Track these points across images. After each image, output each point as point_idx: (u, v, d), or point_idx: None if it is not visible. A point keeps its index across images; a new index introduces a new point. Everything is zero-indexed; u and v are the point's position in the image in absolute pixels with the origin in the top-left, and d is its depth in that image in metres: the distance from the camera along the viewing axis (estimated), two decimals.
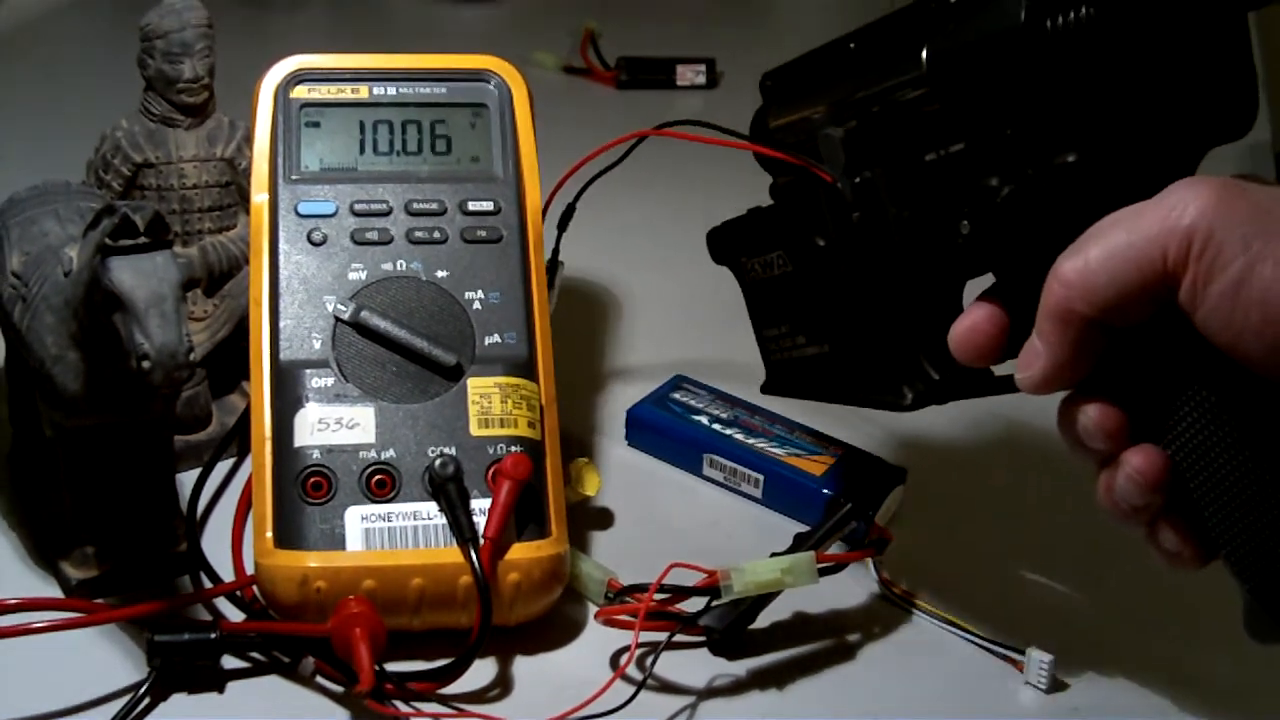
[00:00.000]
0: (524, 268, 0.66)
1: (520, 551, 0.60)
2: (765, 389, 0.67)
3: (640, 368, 0.83)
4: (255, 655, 0.60)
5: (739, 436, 0.73)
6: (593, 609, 0.63)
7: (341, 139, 0.68)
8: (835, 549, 0.63)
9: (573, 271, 0.75)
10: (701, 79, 1.25)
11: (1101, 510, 0.53)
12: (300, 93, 0.68)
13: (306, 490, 0.60)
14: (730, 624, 0.61)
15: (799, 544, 0.62)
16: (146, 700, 0.57)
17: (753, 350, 0.67)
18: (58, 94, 1.18)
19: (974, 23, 0.52)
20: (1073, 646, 0.62)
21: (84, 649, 0.59)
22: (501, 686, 0.60)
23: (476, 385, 0.63)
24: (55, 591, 0.63)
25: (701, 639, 0.62)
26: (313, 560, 0.59)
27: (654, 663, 0.60)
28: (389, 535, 0.60)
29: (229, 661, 0.59)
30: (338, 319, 0.64)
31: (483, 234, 0.67)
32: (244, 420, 0.68)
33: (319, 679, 0.59)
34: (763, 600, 0.61)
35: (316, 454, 0.61)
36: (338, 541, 0.59)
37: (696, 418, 0.74)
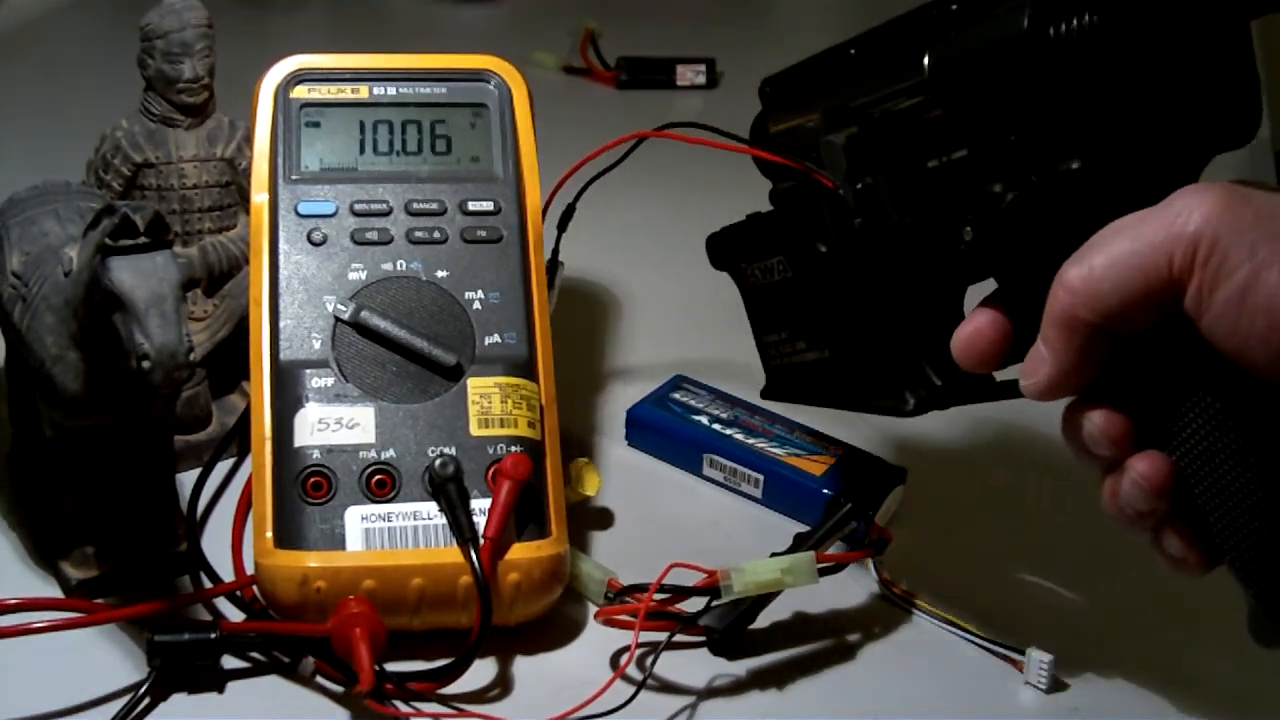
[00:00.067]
0: (524, 268, 0.66)
1: (520, 551, 0.60)
2: (765, 394, 0.67)
3: (640, 368, 0.83)
4: (255, 655, 0.60)
5: (739, 436, 0.73)
6: (593, 609, 0.63)
7: (341, 139, 0.68)
8: (835, 549, 0.63)
9: (573, 271, 0.75)
10: (701, 79, 1.25)
11: (1106, 516, 0.53)
12: (300, 93, 0.68)
13: (306, 490, 0.60)
14: (730, 624, 0.61)
15: (799, 544, 0.62)
16: (146, 700, 0.57)
17: (753, 351, 0.67)
18: (58, 94, 1.19)
19: (977, 29, 0.52)
20: (1073, 646, 0.62)
21: (84, 649, 0.59)
22: (501, 686, 0.60)
23: (476, 385, 0.63)
24: (55, 591, 0.63)
25: (701, 639, 0.62)
26: (313, 560, 0.59)
27: (654, 663, 0.60)
28: (389, 535, 0.60)
29: (229, 661, 0.59)
30: (338, 319, 0.64)
31: (483, 234, 0.67)
32: (244, 420, 0.68)
33: (319, 679, 0.59)
34: (763, 600, 0.61)
35: (316, 454, 0.61)
36: (338, 541, 0.59)
37: (696, 418, 0.74)
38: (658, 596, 0.60)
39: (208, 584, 0.64)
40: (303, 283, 0.64)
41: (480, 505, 0.61)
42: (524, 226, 0.67)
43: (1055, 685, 0.61)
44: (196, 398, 0.72)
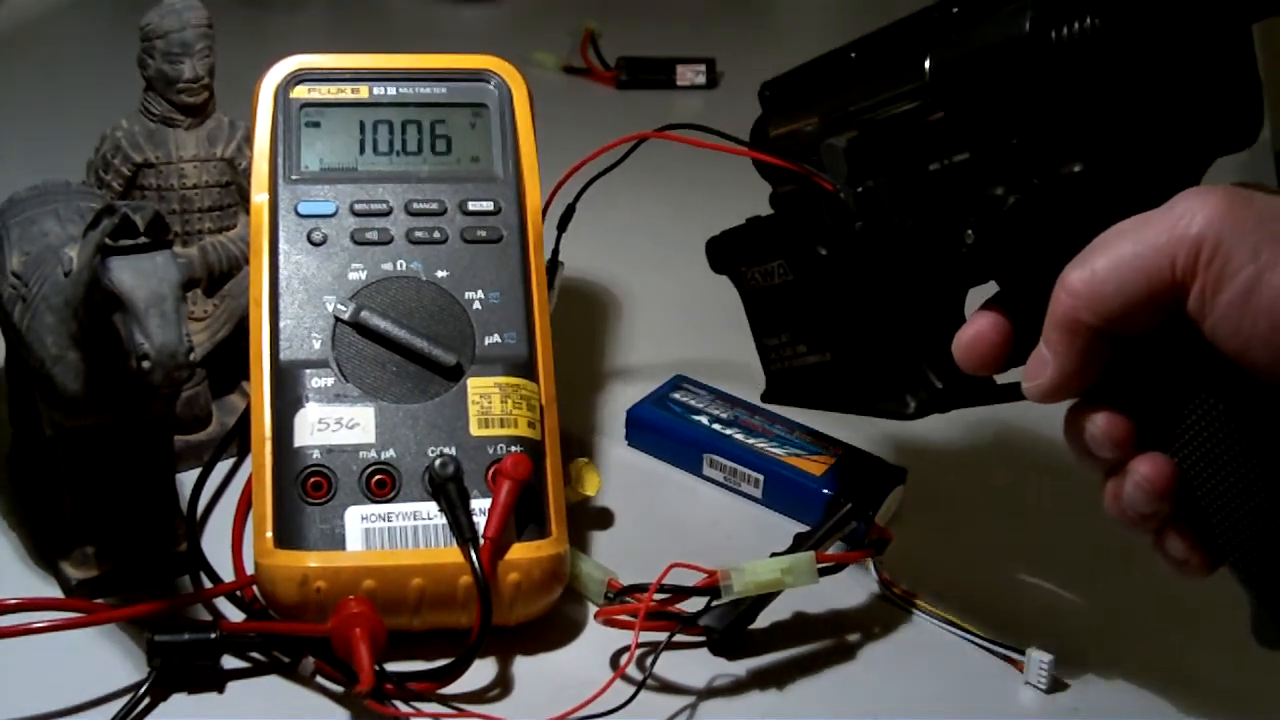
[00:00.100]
0: (524, 268, 0.66)
1: (520, 551, 0.60)
2: (765, 398, 0.67)
3: (640, 368, 0.83)
4: (255, 655, 0.60)
5: (739, 436, 0.73)
6: (593, 609, 0.63)
7: (341, 139, 0.68)
8: (835, 549, 0.63)
9: (573, 271, 0.75)
10: (701, 79, 1.25)
11: (1108, 518, 0.53)
12: (300, 93, 0.68)
13: (306, 490, 0.60)
14: (730, 624, 0.61)
15: (799, 544, 0.62)
16: (146, 700, 0.57)
17: (752, 351, 0.67)
18: (58, 94, 1.19)
19: (978, 33, 0.52)
20: (1073, 646, 0.62)
21: (84, 649, 0.59)
22: (501, 686, 0.60)
23: (476, 385, 0.63)
24: (55, 591, 0.63)
25: (701, 639, 0.62)
26: (313, 560, 0.59)
27: (654, 663, 0.60)
28: (389, 535, 0.60)
29: (229, 661, 0.59)
30: (338, 319, 0.64)
31: (483, 234, 0.67)
32: (244, 420, 0.68)
33: (319, 679, 0.59)
34: (763, 600, 0.61)
35: (316, 454, 0.61)
36: (338, 541, 0.59)
37: (696, 418, 0.74)
38: (658, 596, 0.60)
39: (208, 584, 0.63)
40: (303, 283, 0.64)
41: (480, 505, 0.61)
42: (524, 226, 0.67)
43: (1055, 685, 0.61)
44: (196, 398, 0.72)
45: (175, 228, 0.72)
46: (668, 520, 0.71)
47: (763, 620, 0.62)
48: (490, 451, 0.62)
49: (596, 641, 0.62)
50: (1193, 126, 0.51)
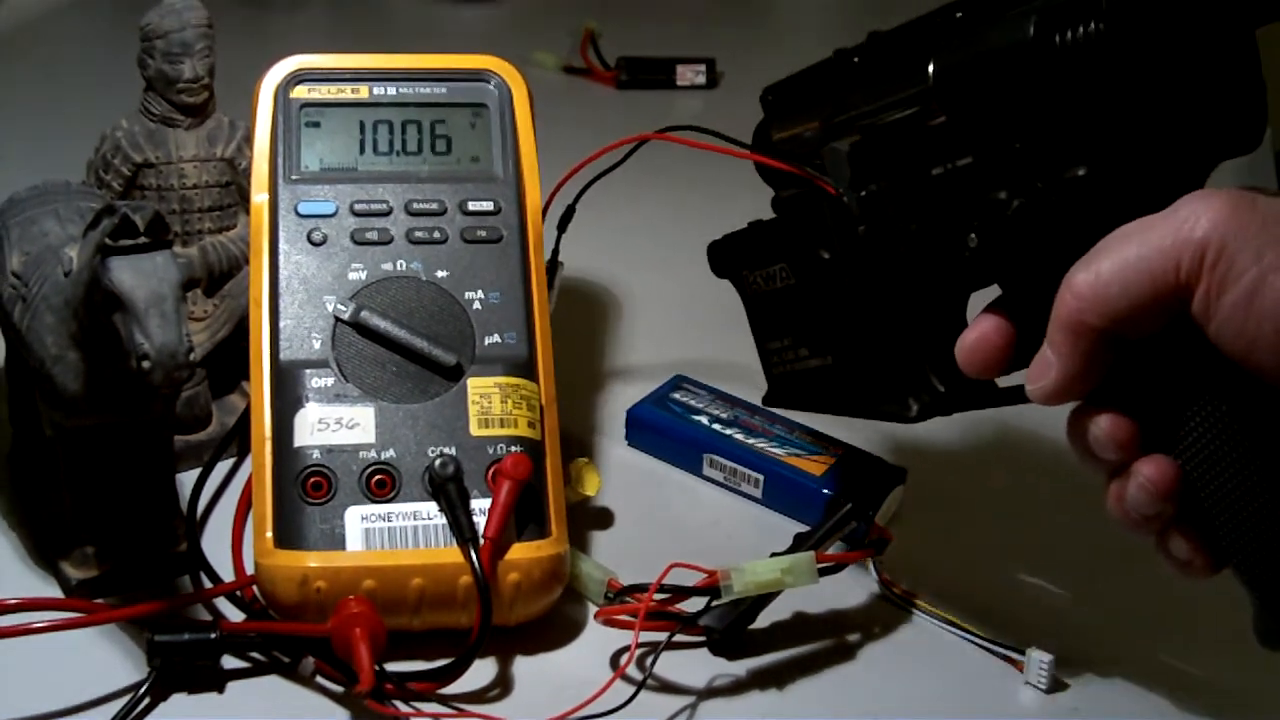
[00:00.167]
0: (524, 268, 0.66)
1: (520, 551, 0.60)
2: (767, 401, 0.67)
3: (640, 368, 0.83)
4: (255, 655, 0.60)
5: (739, 436, 0.73)
6: (593, 609, 0.63)
7: (341, 139, 0.68)
8: (835, 549, 0.63)
9: (573, 271, 0.75)
10: (701, 79, 1.25)
11: (1112, 519, 0.53)
12: (300, 93, 0.68)
13: (306, 490, 0.60)
14: (730, 624, 0.61)
15: (799, 544, 0.62)
16: (146, 700, 0.57)
17: (753, 351, 0.67)
18: (58, 94, 1.18)
19: (982, 37, 0.52)
20: (1073, 646, 0.62)
21: (84, 649, 0.59)
22: (501, 686, 0.60)
23: (476, 385, 0.63)
24: (55, 591, 0.63)
25: (701, 639, 0.62)
26: (313, 560, 0.59)
27: (654, 663, 0.60)
28: (389, 535, 0.60)
29: (229, 661, 0.59)
30: (338, 319, 0.64)
31: (483, 234, 0.67)
32: (244, 420, 0.68)
33: (319, 679, 0.59)
34: (763, 600, 0.61)
35: (316, 454, 0.61)
36: (338, 541, 0.59)
37: (696, 418, 0.74)
38: (658, 596, 0.60)
39: (208, 584, 0.64)
40: (303, 283, 0.64)
41: (480, 505, 0.61)
42: (524, 226, 0.67)
43: (1055, 685, 0.61)
44: (196, 398, 0.72)
45: (175, 228, 0.72)
46: (668, 520, 0.71)
47: (763, 620, 0.62)
48: (490, 451, 0.62)
49: (596, 641, 0.62)
50: (1197, 130, 0.51)
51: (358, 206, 0.66)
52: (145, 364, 0.53)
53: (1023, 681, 0.61)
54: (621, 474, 0.73)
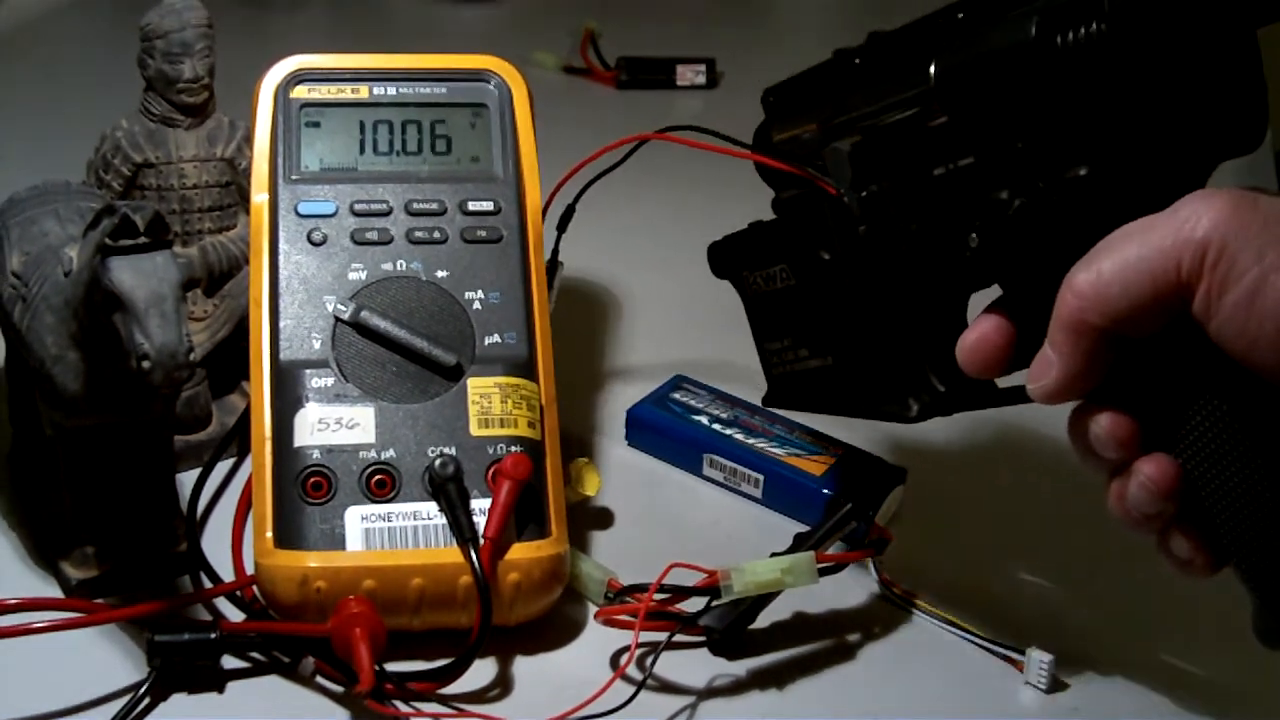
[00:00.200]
0: (524, 268, 0.66)
1: (520, 551, 0.60)
2: (767, 401, 0.68)
3: (640, 368, 0.83)
4: (255, 655, 0.60)
5: (739, 436, 0.73)
6: (593, 609, 0.63)
7: (341, 139, 0.68)
8: (835, 549, 0.63)
9: (573, 271, 0.74)
10: (701, 79, 1.25)
11: (1113, 518, 0.53)
12: (300, 93, 0.68)
13: (306, 490, 0.60)
14: (730, 624, 0.61)
15: (799, 544, 0.62)
16: (146, 700, 0.57)
17: (752, 351, 0.67)
18: (58, 94, 1.19)
19: (984, 38, 0.52)
20: (1073, 646, 0.62)
21: (84, 649, 0.59)
22: (501, 686, 0.60)
23: (476, 385, 0.63)
24: (55, 591, 0.63)
25: (701, 639, 0.62)
26: (313, 560, 0.59)
27: (654, 663, 0.60)
28: (389, 535, 0.60)
29: (229, 661, 0.59)
30: (338, 319, 0.64)
31: (483, 234, 0.67)
32: (244, 420, 0.68)
33: (319, 679, 0.59)
34: (763, 600, 0.61)
35: (316, 454, 0.61)
36: (338, 541, 0.59)
37: (696, 418, 0.74)
38: (658, 596, 0.60)
39: (208, 584, 0.63)
40: (303, 283, 0.64)
41: (480, 505, 0.61)
42: (524, 226, 0.67)
43: (1055, 685, 0.61)
44: (196, 398, 0.72)
45: (175, 228, 0.72)
46: (668, 520, 0.71)
47: (763, 620, 0.62)
48: (490, 451, 0.62)
49: (596, 641, 0.62)
50: (1198, 130, 0.51)
51: (358, 206, 0.66)
52: (145, 364, 0.53)
53: (1023, 681, 0.61)
54: (621, 474, 0.73)
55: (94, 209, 0.57)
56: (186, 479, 0.68)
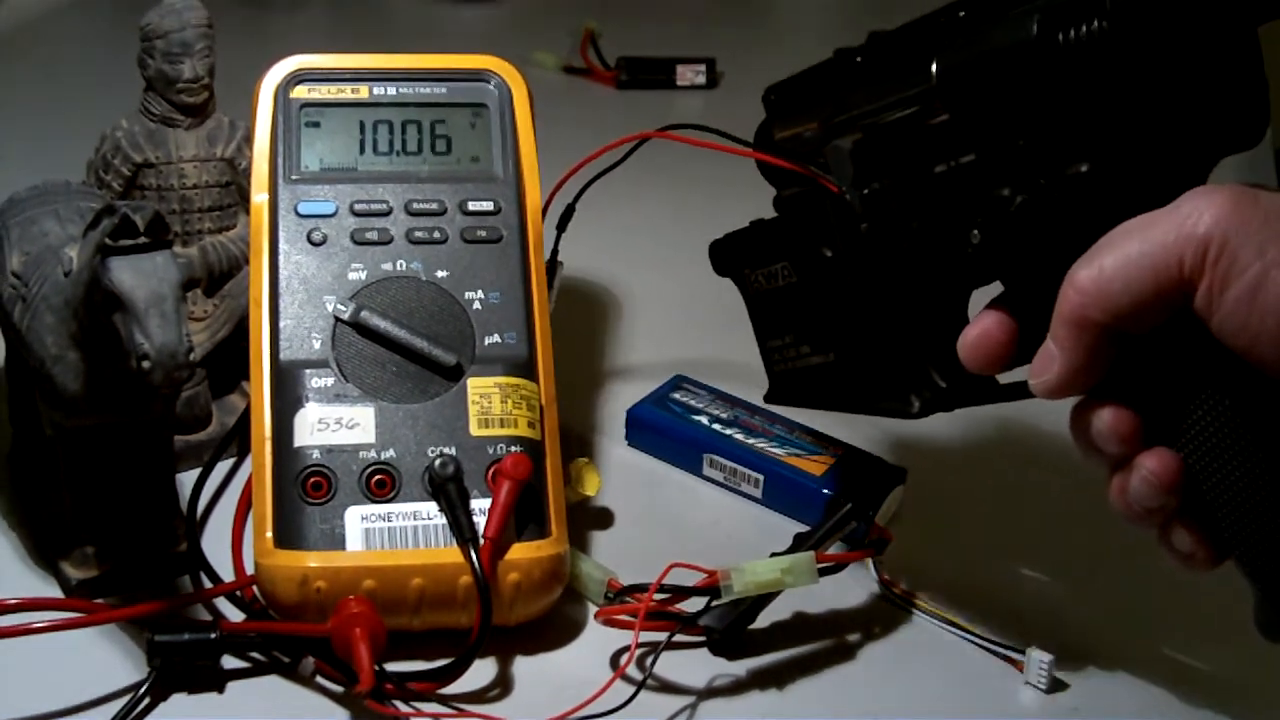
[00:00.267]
0: (524, 268, 0.66)
1: (520, 551, 0.60)
2: (768, 398, 0.68)
3: (640, 368, 0.83)
4: (255, 655, 0.60)
5: (739, 436, 0.73)
6: (593, 609, 0.63)
7: (341, 139, 0.68)
8: (835, 549, 0.63)
9: (573, 271, 0.74)
10: (701, 79, 1.25)
11: (1114, 512, 0.53)
12: (300, 93, 0.68)
13: (306, 490, 0.60)
14: (730, 624, 0.61)
15: (799, 544, 0.62)
16: (146, 700, 0.57)
17: (753, 351, 0.67)
18: (58, 94, 1.18)
19: (985, 36, 0.53)
20: (1073, 646, 0.62)
21: (84, 649, 0.59)
22: (501, 686, 0.60)
23: (476, 385, 0.63)
24: (55, 591, 0.63)
25: (701, 639, 0.62)
26: (313, 560, 0.59)
27: (654, 663, 0.60)
28: (389, 535, 0.60)
29: (229, 661, 0.59)
30: (338, 319, 0.64)
31: (483, 234, 0.67)
32: (244, 420, 0.68)
33: (319, 679, 0.59)
34: (763, 600, 0.61)
35: (316, 454, 0.61)
36: (338, 541, 0.59)
37: (696, 418, 0.74)
38: (658, 596, 0.60)
39: (208, 584, 0.63)
40: (303, 283, 0.64)
41: (480, 505, 0.61)
42: (524, 226, 0.67)
43: (1055, 685, 0.61)
44: (196, 398, 0.72)
45: (175, 228, 0.72)
46: (668, 520, 0.71)
47: (763, 620, 0.62)
48: (490, 451, 0.62)
49: (596, 641, 0.62)
50: (1199, 127, 0.51)
51: (358, 206, 0.66)
52: (145, 364, 0.53)
53: (1023, 681, 0.61)
54: (621, 474, 0.73)
55: (94, 209, 0.57)
56: (186, 479, 0.68)
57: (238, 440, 0.70)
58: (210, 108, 0.73)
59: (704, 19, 1.45)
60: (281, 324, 0.63)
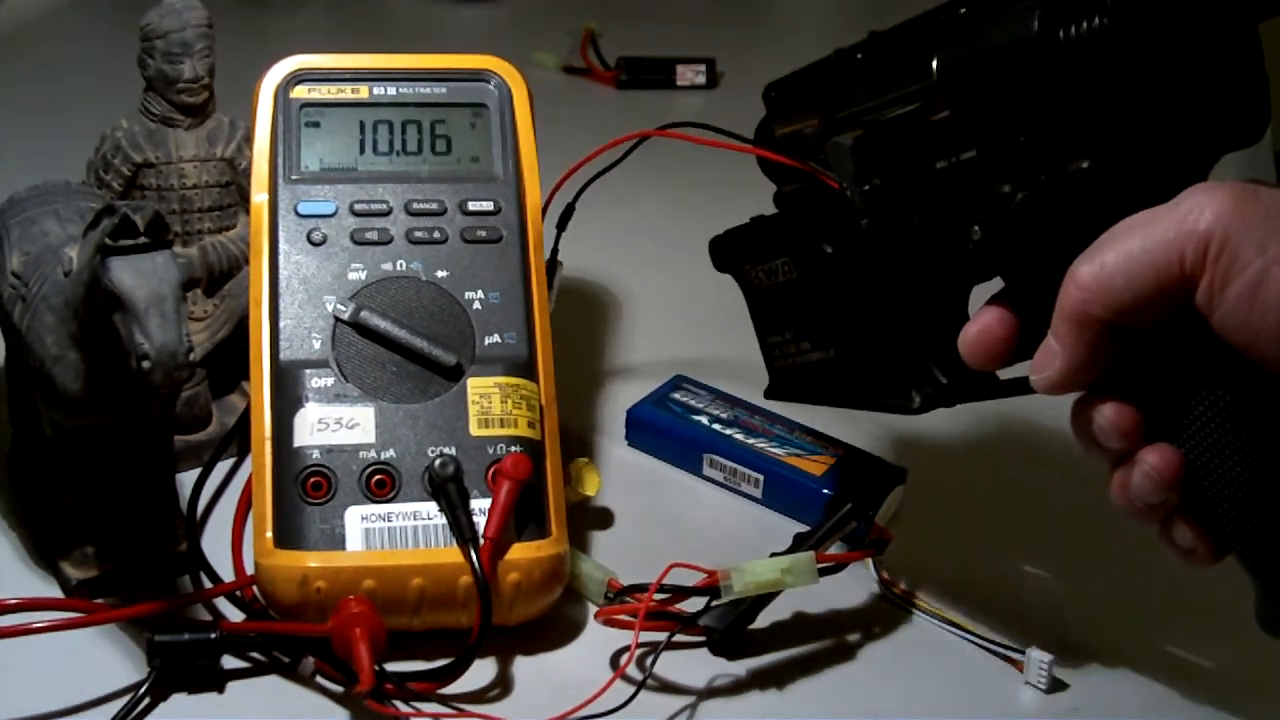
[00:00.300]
0: (524, 268, 0.66)
1: (520, 551, 0.60)
2: (768, 394, 0.68)
3: (640, 368, 0.83)
4: (255, 655, 0.60)
5: (739, 436, 0.73)
6: (593, 609, 0.63)
7: (341, 139, 0.68)
8: (835, 549, 0.63)
9: (573, 271, 0.75)
10: (701, 79, 1.25)
11: (1115, 508, 0.53)
12: (300, 93, 0.68)
13: (306, 490, 0.60)
14: (730, 624, 0.61)
15: (799, 544, 0.62)
16: (146, 700, 0.57)
17: (753, 350, 0.67)
18: (58, 94, 1.19)
19: (986, 33, 0.53)
20: (1073, 646, 0.62)
21: (84, 649, 0.59)
22: (501, 686, 0.60)
23: (476, 385, 0.63)
24: (55, 591, 0.63)
25: (701, 639, 0.62)
26: (313, 560, 0.59)
27: (654, 663, 0.60)
28: (389, 535, 0.60)
29: (229, 661, 0.59)
30: (338, 319, 0.64)
31: (483, 234, 0.67)
32: (244, 420, 0.68)
33: (319, 679, 0.59)
34: (763, 600, 0.61)
35: (316, 454, 0.61)
36: (338, 541, 0.59)
37: (696, 418, 0.74)
38: (658, 596, 0.60)
39: (208, 584, 0.63)
40: (303, 283, 0.64)
41: (480, 505, 0.61)
42: (524, 226, 0.67)
43: (1055, 685, 0.61)
44: (196, 398, 0.72)
45: (175, 228, 0.72)
46: (668, 520, 0.71)
47: (763, 620, 0.62)
48: (490, 451, 0.62)
49: (596, 641, 0.62)
50: (1200, 123, 0.51)
51: (358, 206, 0.66)
52: (145, 364, 0.53)
53: (1023, 681, 0.61)
54: (621, 474, 0.73)
55: (94, 209, 0.57)
56: (186, 479, 0.68)
57: (238, 440, 0.70)
58: (210, 108, 0.73)
59: (704, 19, 1.45)
60: (281, 324, 0.63)
